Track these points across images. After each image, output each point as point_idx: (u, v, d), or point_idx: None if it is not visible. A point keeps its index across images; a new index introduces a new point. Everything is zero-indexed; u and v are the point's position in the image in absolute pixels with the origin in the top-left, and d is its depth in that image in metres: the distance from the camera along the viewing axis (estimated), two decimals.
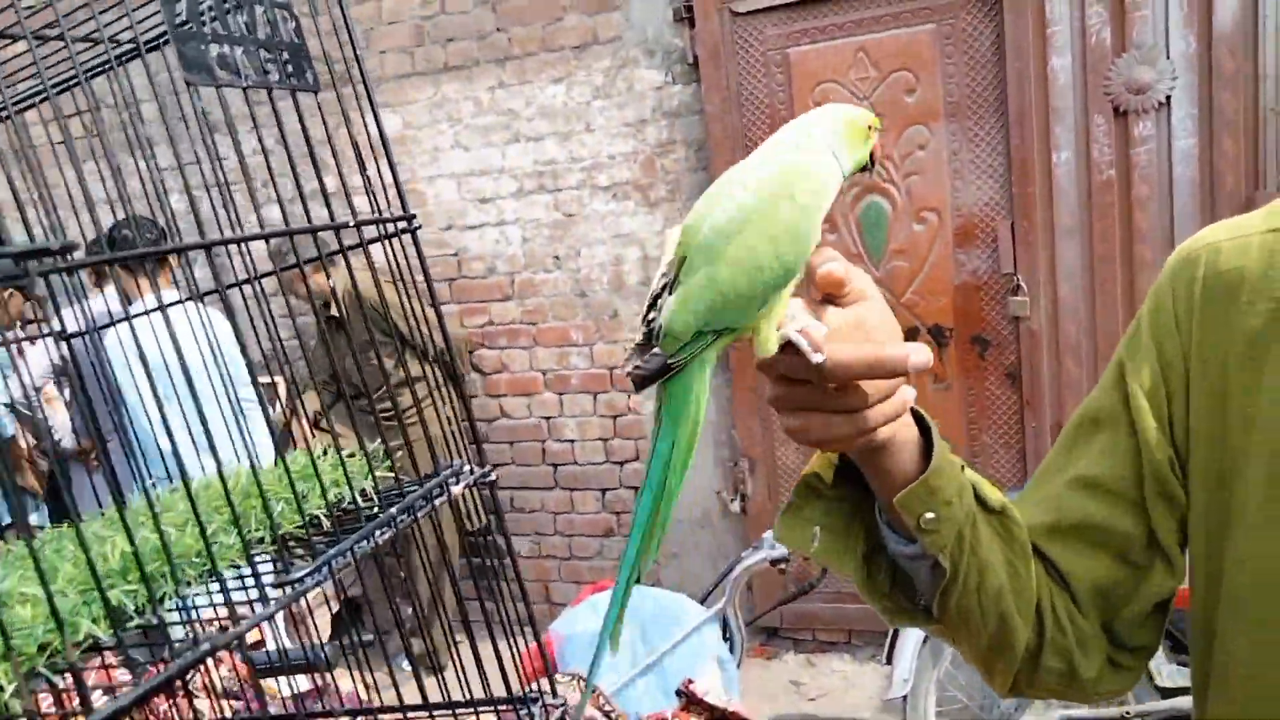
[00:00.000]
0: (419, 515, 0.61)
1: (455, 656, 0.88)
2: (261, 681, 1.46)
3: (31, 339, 2.96)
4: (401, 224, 0.77)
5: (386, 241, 0.76)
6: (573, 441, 4.04)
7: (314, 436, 3.64)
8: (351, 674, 0.93)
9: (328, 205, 0.84)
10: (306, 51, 0.66)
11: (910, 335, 3.62)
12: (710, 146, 3.65)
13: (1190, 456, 0.75)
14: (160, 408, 0.59)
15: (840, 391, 0.63)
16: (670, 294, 0.65)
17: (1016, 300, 3.42)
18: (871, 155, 0.69)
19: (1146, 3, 3.13)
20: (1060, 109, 3.29)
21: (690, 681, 0.86)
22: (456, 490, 0.66)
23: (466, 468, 0.70)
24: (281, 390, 3.63)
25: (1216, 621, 0.74)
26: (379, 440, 0.75)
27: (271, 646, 1.46)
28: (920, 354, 0.61)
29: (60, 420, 3.39)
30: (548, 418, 4.06)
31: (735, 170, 0.69)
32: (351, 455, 0.69)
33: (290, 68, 0.65)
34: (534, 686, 0.73)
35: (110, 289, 3.57)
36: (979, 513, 0.73)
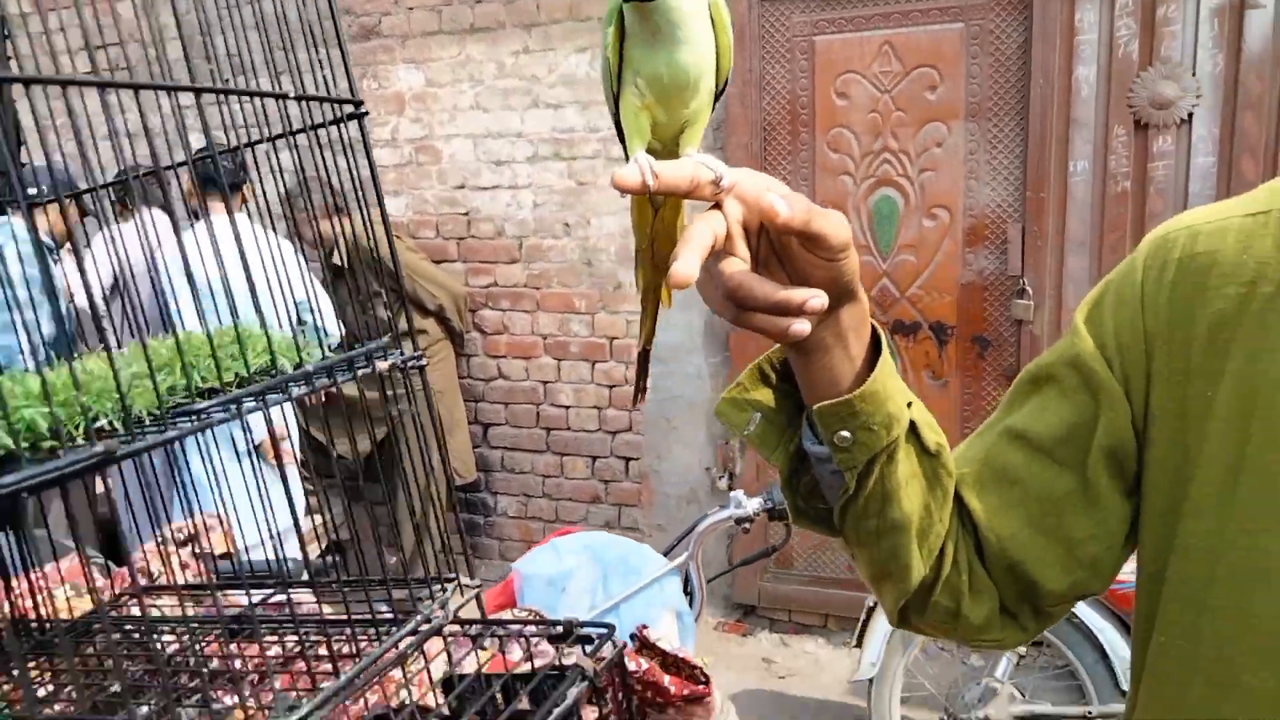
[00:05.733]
0: (310, 389, 0.63)
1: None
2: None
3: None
4: (349, 108, 0.74)
5: (336, 126, 0.74)
6: (567, 408, 4.08)
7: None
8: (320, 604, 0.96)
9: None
10: None
11: (911, 330, 3.64)
12: (727, 127, 3.66)
13: (1148, 441, 0.74)
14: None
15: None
16: None
17: (1021, 304, 3.43)
18: None
19: (1177, 19, 3.12)
20: (1081, 118, 3.29)
21: (644, 627, 0.89)
22: (383, 366, 0.68)
23: (399, 351, 0.70)
24: None
25: (1159, 606, 0.74)
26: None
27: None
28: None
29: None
30: (545, 382, 4.10)
31: None
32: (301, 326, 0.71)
33: None
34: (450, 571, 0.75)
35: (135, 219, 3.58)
36: (910, 449, 0.73)
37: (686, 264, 0.57)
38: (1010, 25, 3.35)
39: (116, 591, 0.91)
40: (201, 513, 1.42)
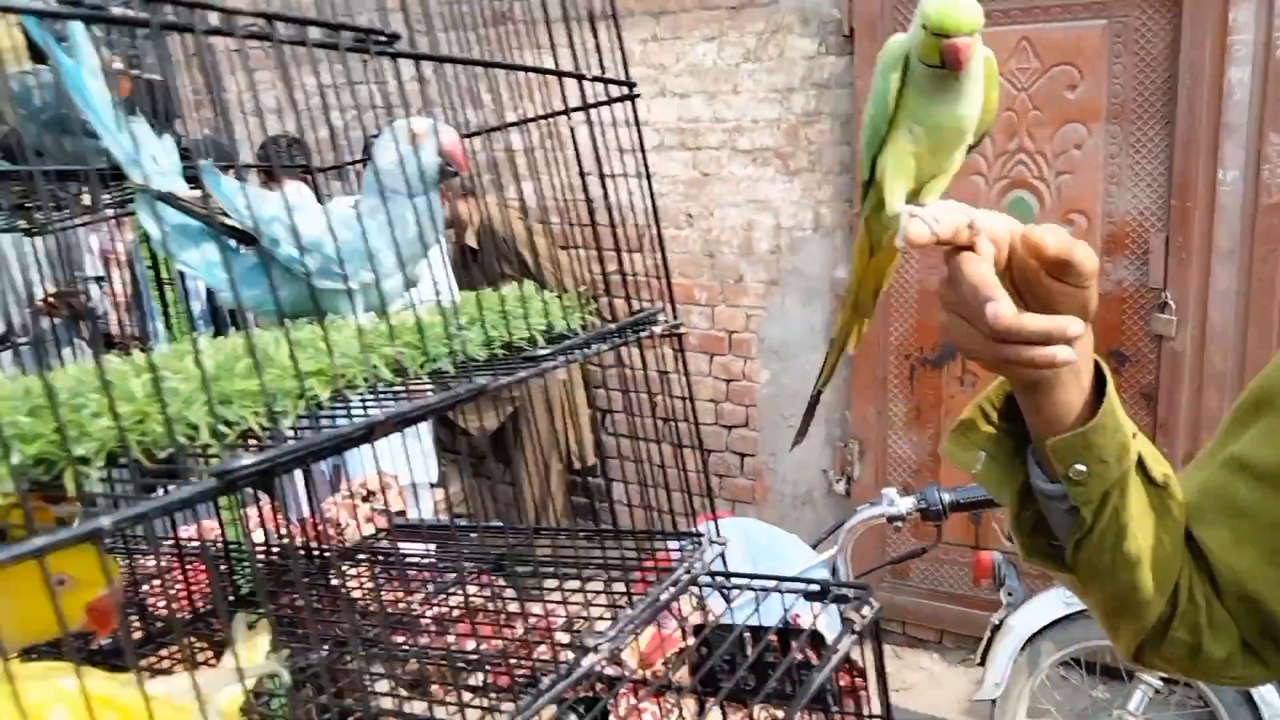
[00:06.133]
0: (610, 347, 0.65)
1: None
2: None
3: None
4: (623, 89, 0.77)
5: (608, 108, 0.78)
6: (684, 400, 4.08)
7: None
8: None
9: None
10: None
11: None
12: (856, 121, 3.62)
13: None
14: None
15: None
16: None
17: (1162, 318, 3.30)
18: (942, 56, 0.71)
19: None
20: (1233, 124, 3.15)
21: (797, 616, 0.90)
22: (657, 330, 0.72)
23: (662, 315, 0.74)
24: None
25: None
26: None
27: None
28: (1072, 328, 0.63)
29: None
30: (662, 372, 4.11)
31: None
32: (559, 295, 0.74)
33: None
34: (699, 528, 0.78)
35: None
36: (1138, 480, 0.73)
37: (1008, 306, 0.62)
38: (1157, 23, 3.24)
39: (376, 529, 0.96)
40: (355, 473, 1.48)
